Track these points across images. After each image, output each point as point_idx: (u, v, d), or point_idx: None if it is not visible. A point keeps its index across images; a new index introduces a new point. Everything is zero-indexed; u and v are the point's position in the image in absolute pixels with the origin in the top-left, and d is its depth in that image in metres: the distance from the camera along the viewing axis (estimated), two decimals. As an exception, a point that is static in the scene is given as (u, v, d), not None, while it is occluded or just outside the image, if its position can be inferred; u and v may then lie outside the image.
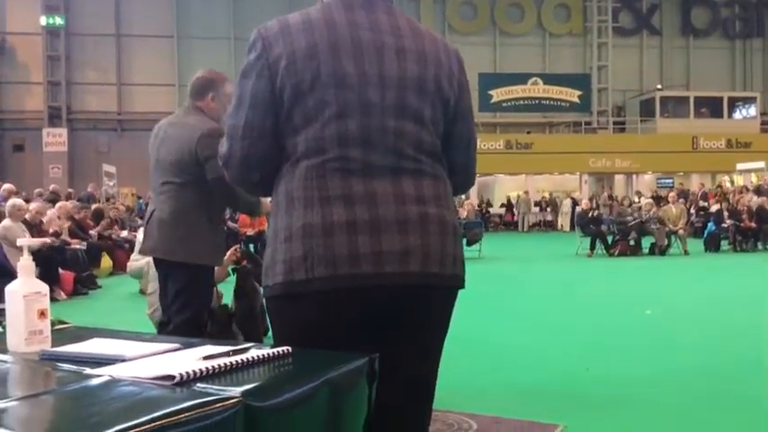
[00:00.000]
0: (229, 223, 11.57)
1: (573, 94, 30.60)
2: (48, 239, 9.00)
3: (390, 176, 1.62)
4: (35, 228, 9.24)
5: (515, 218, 27.55)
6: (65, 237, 10.49)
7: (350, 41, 1.62)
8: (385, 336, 1.65)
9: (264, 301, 1.74)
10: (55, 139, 27.35)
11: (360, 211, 1.58)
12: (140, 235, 10.34)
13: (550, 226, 27.27)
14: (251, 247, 13.36)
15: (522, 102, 30.43)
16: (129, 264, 9.91)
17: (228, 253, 5.67)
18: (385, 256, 1.58)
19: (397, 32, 1.68)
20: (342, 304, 1.60)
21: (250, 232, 13.76)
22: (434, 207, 1.66)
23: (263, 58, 1.63)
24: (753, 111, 31.59)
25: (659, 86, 31.79)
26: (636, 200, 20.73)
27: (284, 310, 1.66)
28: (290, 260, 1.60)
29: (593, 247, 14.64)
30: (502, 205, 29.10)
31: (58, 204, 11.66)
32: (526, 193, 27.51)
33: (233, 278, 5.90)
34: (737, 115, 31.91)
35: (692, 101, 30.87)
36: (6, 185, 12.47)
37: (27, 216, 9.14)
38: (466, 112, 1.82)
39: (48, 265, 8.39)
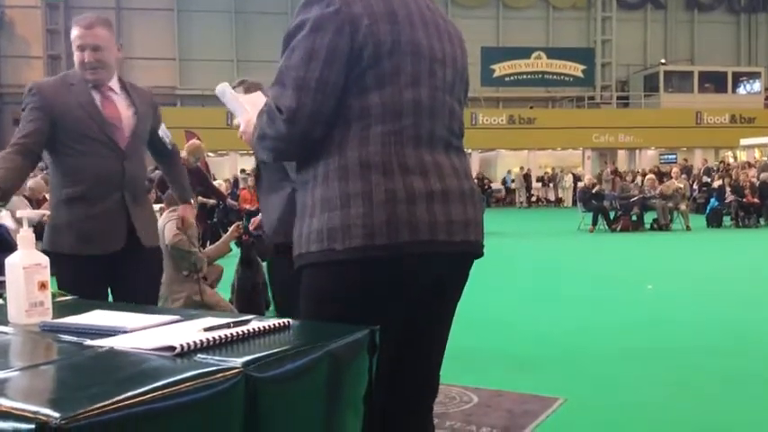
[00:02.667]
0: (229, 200, 11.56)
1: (576, 69, 30.40)
2: (47, 212, 9.01)
3: (444, 150, 1.70)
4: (36, 203, 9.23)
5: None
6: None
7: (419, 16, 1.69)
8: (430, 300, 1.73)
9: (308, 265, 1.65)
10: (55, 113, 27.26)
11: (433, 181, 1.64)
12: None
13: (551, 202, 27.25)
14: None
15: (525, 76, 30.25)
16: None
17: (231, 230, 5.69)
18: (455, 225, 1.66)
19: (439, 14, 1.78)
20: (415, 269, 1.65)
21: (251, 208, 13.76)
22: (472, 181, 1.80)
23: (342, 14, 1.58)
24: (757, 86, 31.40)
25: (663, 61, 31.58)
26: (639, 177, 20.69)
27: (355, 274, 1.61)
28: (371, 225, 1.58)
29: (594, 222, 14.64)
30: (503, 181, 29.08)
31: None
32: (521, 168, 27.44)
33: (234, 254, 5.92)
34: (742, 90, 31.72)
35: (696, 76, 30.68)
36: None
37: (25, 193, 9.13)
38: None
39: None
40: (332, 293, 1.63)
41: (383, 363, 1.54)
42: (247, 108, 1.82)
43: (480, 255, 1.78)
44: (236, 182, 19.10)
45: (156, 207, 10.38)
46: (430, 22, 1.70)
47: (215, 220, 11.45)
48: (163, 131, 3.10)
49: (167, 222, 4.91)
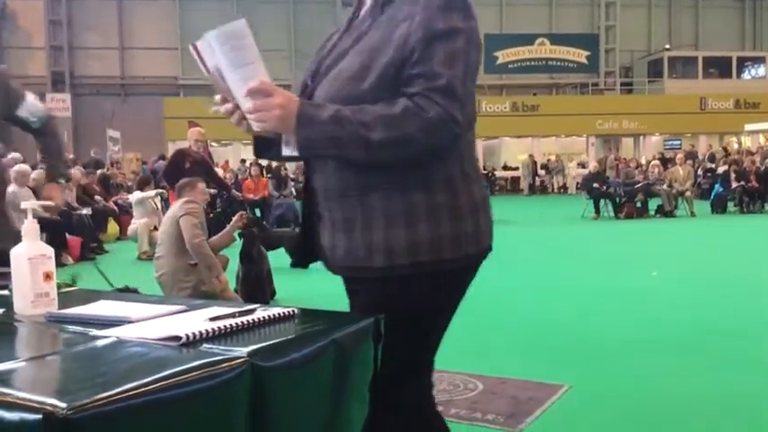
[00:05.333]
0: (233, 191, 11.56)
1: (581, 55, 30.22)
2: (50, 203, 9.04)
3: None
4: (40, 195, 9.25)
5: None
6: (72, 202, 10.52)
7: None
8: None
9: (429, 273, 1.57)
10: (59, 104, 27.23)
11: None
12: (134, 196, 10.48)
13: (556, 189, 27.18)
14: (256, 212, 13.40)
15: (528, 63, 30.08)
16: (129, 228, 10.06)
17: (234, 219, 5.69)
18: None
19: None
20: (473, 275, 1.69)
21: (254, 197, 13.77)
22: None
23: (476, 29, 1.57)
24: (762, 71, 31.21)
25: (667, 46, 31.38)
26: (644, 163, 20.62)
27: (463, 281, 1.66)
28: (480, 232, 1.62)
29: (597, 209, 14.58)
30: (505, 167, 29.00)
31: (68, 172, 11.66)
32: (530, 156, 27.37)
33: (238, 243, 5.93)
34: (746, 75, 31.53)
35: (700, 61, 30.49)
36: (13, 154, 12.45)
37: (29, 184, 9.15)
38: None
39: (55, 230, 8.43)
40: (455, 300, 1.66)
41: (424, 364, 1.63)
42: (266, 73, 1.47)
43: None
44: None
45: (152, 192, 10.34)
46: None
47: (218, 210, 11.45)
48: (27, 110, 2.93)
49: (184, 215, 4.89)
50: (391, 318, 1.53)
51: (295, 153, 1.51)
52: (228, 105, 1.53)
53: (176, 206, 5.04)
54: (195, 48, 1.47)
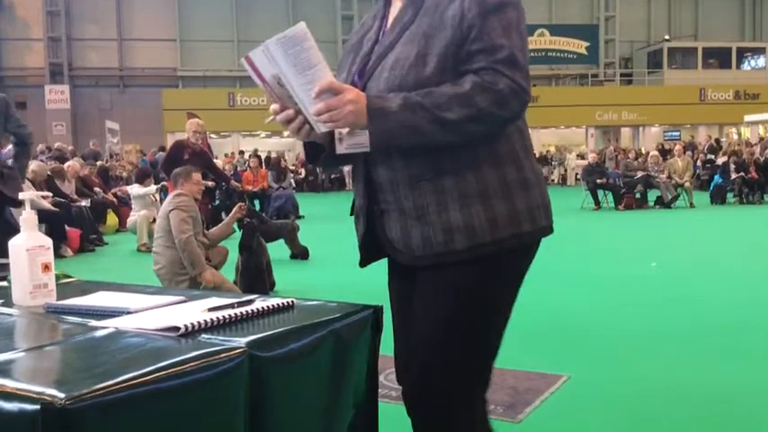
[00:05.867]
0: (232, 182, 11.55)
1: (580, 46, 30.14)
2: (49, 193, 9.04)
3: None
4: (37, 186, 9.23)
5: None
6: (71, 194, 10.50)
7: None
8: None
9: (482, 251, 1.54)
10: (57, 96, 27.19)
11: None
12: (133, 190, 10.48)
13: (556, 180, 27.16)
14: (256, 203, 13.39)
15: (528, 54, 29.96)
16: (128, 220, 10.07)
17: (234, 210, 5.69)
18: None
19: None
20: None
21: (253, 189, 13.76)
22: None
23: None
24: (762, 61, 31.14)
25: (667, 37, 31.30)
26: (643, 153, 20.59)
27: (532, 256, 1.66)
28: (547, 204, 1.65)
29: (596, 201, 14.56)
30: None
31: (67, 164, 11.64)
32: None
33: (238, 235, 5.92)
34: (746, 66, 31.46)
35: (700, 52, 30.42)
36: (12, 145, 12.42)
37: (29, 176, 9.13)
38: None
39: (54, 222, 8.42)
40: (521, 275, 1.66)
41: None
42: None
43: None
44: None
45: (153, 188, 10.36)
46: None
47: (217, 202, 11.45)
48: (13, 129, 4.66)
49: (172, 209, 4.90)
50: (471, 302, 1.55)
51: (351, 150, 1.48)
52: (289, 112, 1.49)
53: (169, 201, 5.04)
54: (249, 59, 1.43)
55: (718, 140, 23.35)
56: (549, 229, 1.65)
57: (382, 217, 1.63)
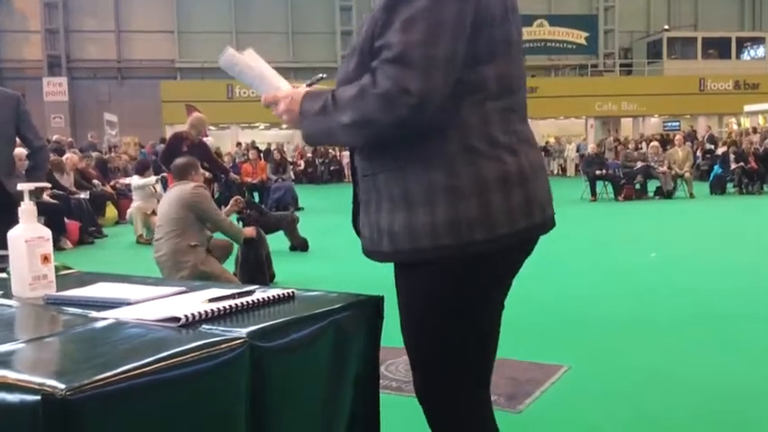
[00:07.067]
0: (231, 174, 11.53)
1: (579, 36, 30.05)
2: (48, 184, 9.04)
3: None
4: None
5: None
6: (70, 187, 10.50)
7: None
8: (510, 282, 1.71)
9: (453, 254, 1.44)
10: (55, 88, 27.12)
11: (538, 156, 1.58)
12: (133, 181, 10.47)
13: (555, 171, 27.15)
14: (255, 195, 13.38)
15: (526, 44, 29.81)
16: (128, 212, 10.07)
17: (231, 203, 5.68)
18: (546, 203, 1.59)
19: None
20: (520, 253, 1.59)
21: (252, 181, 13.75)
22: None
23: None
24: (761, 51, 31.08)
25: (666, 27, 31.21)
26: (644, 144, 20.55)
27: (477, 270, 1.49)
28: (490, 216, 1.44)
29: (594, 191, 14.54)
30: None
31: (65, 156, 11.62)
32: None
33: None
34: (746, 56, 31.40)
35: (699, 42, 30.35)
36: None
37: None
38: None
39: (54, 214, 8.41)
40: (466, 289, 1.49)
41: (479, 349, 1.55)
42: (270, 76, 1.58)
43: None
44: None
45: (153, 179, 10.35)
46: None
47: (217, 194, 11.43)
48: (26, 131, 4.48)
49: (199, 201, 4.90)
50: (417, 303, 1.50)
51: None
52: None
53: (183, 190, 4.97)
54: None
55: (713, 136, 23.30)
56: (484, 244, 1.44)
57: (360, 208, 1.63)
